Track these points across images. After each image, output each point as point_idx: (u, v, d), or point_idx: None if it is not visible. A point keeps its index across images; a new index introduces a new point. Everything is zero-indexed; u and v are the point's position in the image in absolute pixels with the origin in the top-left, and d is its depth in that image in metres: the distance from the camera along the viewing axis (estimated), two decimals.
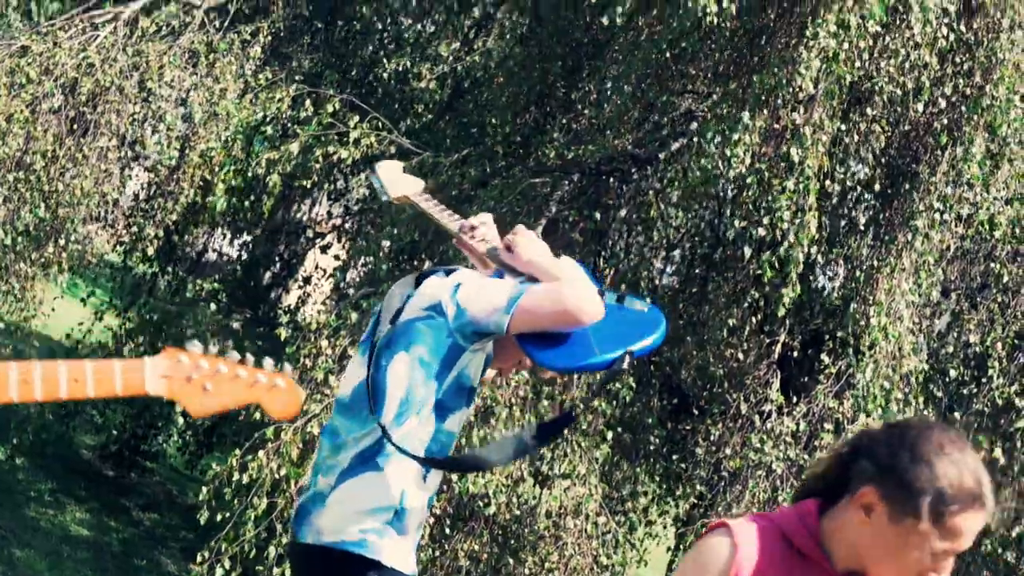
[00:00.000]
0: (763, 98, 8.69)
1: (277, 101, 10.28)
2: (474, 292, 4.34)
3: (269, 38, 10.68)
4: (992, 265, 9.66)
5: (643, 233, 10.05)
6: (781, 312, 8.72)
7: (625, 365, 4.33)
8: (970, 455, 3.26)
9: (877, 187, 9.45)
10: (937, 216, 9.08)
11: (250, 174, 10.27)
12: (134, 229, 10.97)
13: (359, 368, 4.46)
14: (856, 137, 9.21)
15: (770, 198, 8.67)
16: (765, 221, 8.68)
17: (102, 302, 13.08)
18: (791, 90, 8.62)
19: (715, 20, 8.62)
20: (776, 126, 8.81)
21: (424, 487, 4.38)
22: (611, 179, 10.10)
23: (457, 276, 4.42)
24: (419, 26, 11.82)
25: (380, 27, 11.65)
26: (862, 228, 9.51)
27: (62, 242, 10.17)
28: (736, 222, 9.06)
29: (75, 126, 10.12)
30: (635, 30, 9.59)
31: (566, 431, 8.64)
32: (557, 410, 8.78)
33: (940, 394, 9.93)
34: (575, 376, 8.60)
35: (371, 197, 11.39)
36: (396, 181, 4.89)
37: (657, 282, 10.55)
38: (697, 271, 10.56)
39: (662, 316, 4.54)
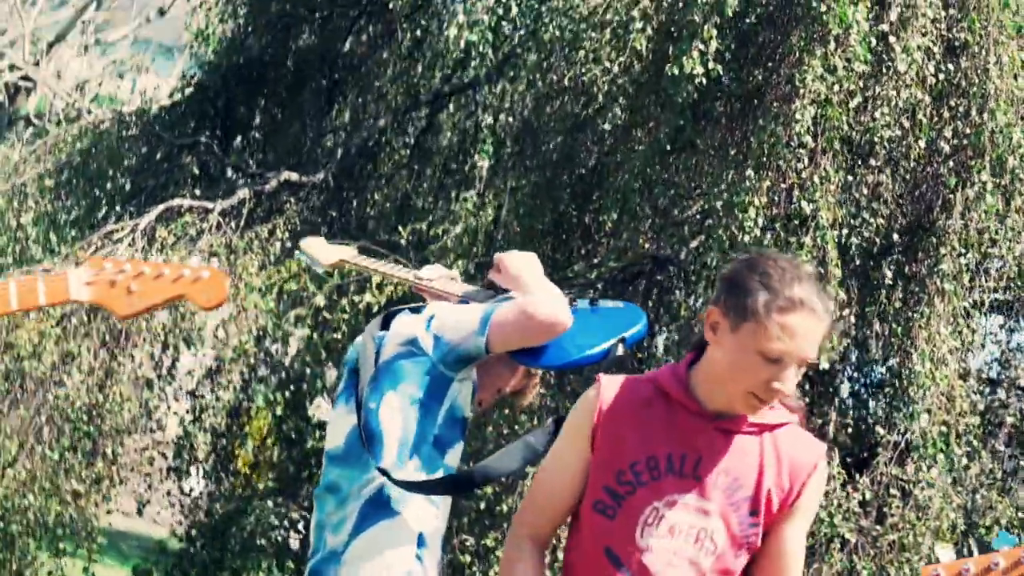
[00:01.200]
0: (764, 157, 8.64)
1: (298, 280, 10.36)
2: (448, 320, 4.29)
3: (287, 234, 10.79)
4: None
5: (676, 331, 9.96)
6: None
7: (620, 352, 4.29)
8: (805, 270, 3.46)
9: (896, 237, 9.35)
10: (962, 261, 8.96)
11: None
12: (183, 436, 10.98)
13: (345, 417, 4.34)
14: (866, 190, 9.10)
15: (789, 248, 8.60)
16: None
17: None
18: (791, 145, 8.58)
19: (703, 82, 8.71)
20: (782, 184, 8.76)
21: (439, 511, 4.27)
22: (634, 285, 10.08)
23: (429, 309, 4.37)
24: (431, 198, 12.01)
25: (395, 206, 11.83)
26: (890, 282, 9.32)
27: (110, 454, 10.17)
28: None
29: (107, 338, 10.20)
30: (631, 138, 9.65)
31: None
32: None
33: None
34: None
35: None
36: (324, 251, 4.84)
37: None
38: None
39: (639, 308, 4.56)
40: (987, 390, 10.19)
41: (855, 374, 10.29)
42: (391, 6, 12.18)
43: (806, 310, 3.37)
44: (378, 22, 12.43)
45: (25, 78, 19.37)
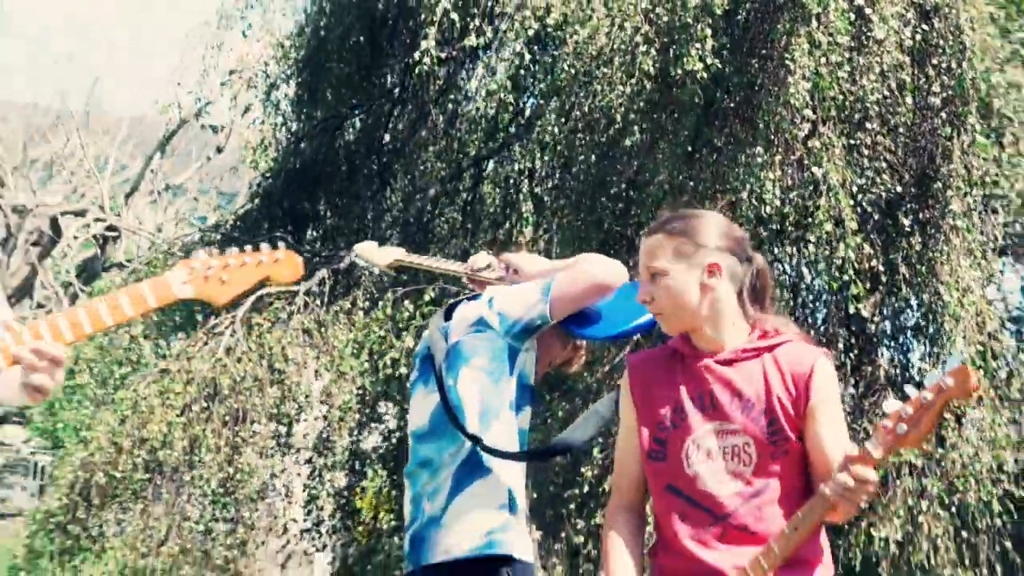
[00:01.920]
0: (771, 135, 9.38)
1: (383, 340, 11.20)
2: (509, 298, 4.60)
3: (367, 302, 11.67)
4: None
5: None
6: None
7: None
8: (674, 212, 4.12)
9: (905, 189, 9.99)
10: (968, 200, 9.70)
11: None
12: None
13: (425, 399, 4.66)
14: (867, 151, 9.82)
15: (810, 219, 9.33)
16: (812, 239, 9.39)
17: None
18: (793, 120, 9.30)
19: (708, 84, 9.48)
20: (792, 157, 9.49)
21: (521, 470, 4.59)
22: None
23: (487, 293, 4.68)
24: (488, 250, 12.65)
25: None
26: (908, 230, 9.95)
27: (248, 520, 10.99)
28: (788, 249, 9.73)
29: (227, 419, 11.05)
30: (655, 150, 10.25)
31: None
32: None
33: None
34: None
35: None
36: (378, 254, 5.16)
37: None
38: None
39: None
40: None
41: (895, 319, 10.72)
42: (420, 93, 13.04)
43: (647, 234, 4.02)
44: (412, 108, 13.27)
45: (111, 228, 20.47)
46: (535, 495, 10.19)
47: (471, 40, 11.04)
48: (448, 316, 4.73)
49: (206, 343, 11.36)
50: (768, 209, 9.41)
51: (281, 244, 3.64)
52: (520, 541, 4.47)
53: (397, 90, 13.40)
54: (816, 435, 3.93)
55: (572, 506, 10.11)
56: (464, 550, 4.41)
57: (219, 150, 16.36)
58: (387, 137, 13.34)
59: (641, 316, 4.57)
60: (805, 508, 3.77)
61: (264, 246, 3.65)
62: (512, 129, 12.43)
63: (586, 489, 10.00)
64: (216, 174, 16.56)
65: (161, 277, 3.47)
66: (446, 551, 4.44)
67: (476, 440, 4.41)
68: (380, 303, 11.37)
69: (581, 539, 10.04)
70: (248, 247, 3.63)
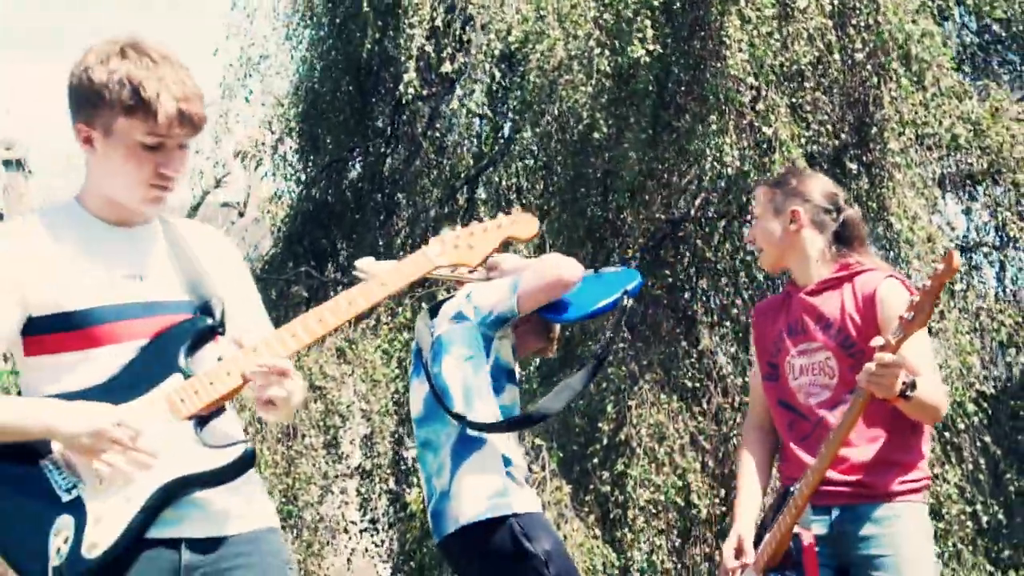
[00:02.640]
0: (722, 105, 10.35)
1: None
2: (484, 292, 5.02)
3: (389, 318, 12.75)
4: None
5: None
6: None
7: (627, 302, 5.04)
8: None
9: (847, 137, 10.90)
10: (904, 139, 10.53)
11: None
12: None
13: (419, 389, 5.07)
14: (808, 107, 10.70)
15: (768, 173, 9.95)
16: None
17: None
18: (738, 89, 10.29)
19: (648, 61, 10.38)
20: (743, 121, 10.43)
21: (513, 441, 5.02)
22: (662, 249, 11.93)
23: (466, 288, 5.12)
24: None
25: None
26: (855, 172, 10.84)
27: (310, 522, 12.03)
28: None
29: (280, 435, 12.05)
30: (622, 140, 11.14)
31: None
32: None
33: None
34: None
35: None
36: (376, 267, 5.26)
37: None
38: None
39: (634, 270, 5.37)
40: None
41: None
42: (410, 127, 14.21)
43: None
44: (405, 142, 14.31)
45: None
46: (560, 455, 11.06)
47: (447, 67, 12.08)
48: (434, 314, 5.17)
49: None
50: (730, 170, 10.35)
51: (516, 207, 4.23)
52: (521, 498, 4.85)
53: (389, 128, 14.45)
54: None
55: (595, 460, 11.02)
56: (471, 516, 4.78)
57: (240, 214, 17.40)
58: (386, 171, 14.38)
59: (601, 300, 5.03)
60: (850, 401, 4.31)
61: (501, 214, 3.95)
62: (495, 146, 13.49)
63: (605, 442, 10.89)
64: (239, 231, 17.55)
65: (417, 254, 3.64)
66: (456, 520, 4.81)
67: (461, 418, 4.82)
68: (400, 310, 12.44)
69: (608, 488, 10.91)
70: (486, 218, 3.94)
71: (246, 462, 3.29)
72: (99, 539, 3.12)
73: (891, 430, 4.51)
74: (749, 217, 5.35)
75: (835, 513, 4.54)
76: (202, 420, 3.30)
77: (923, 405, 4.31)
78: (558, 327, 5.44)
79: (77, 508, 3.15)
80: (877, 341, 4.15)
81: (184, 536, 3.26)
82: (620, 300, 5.01)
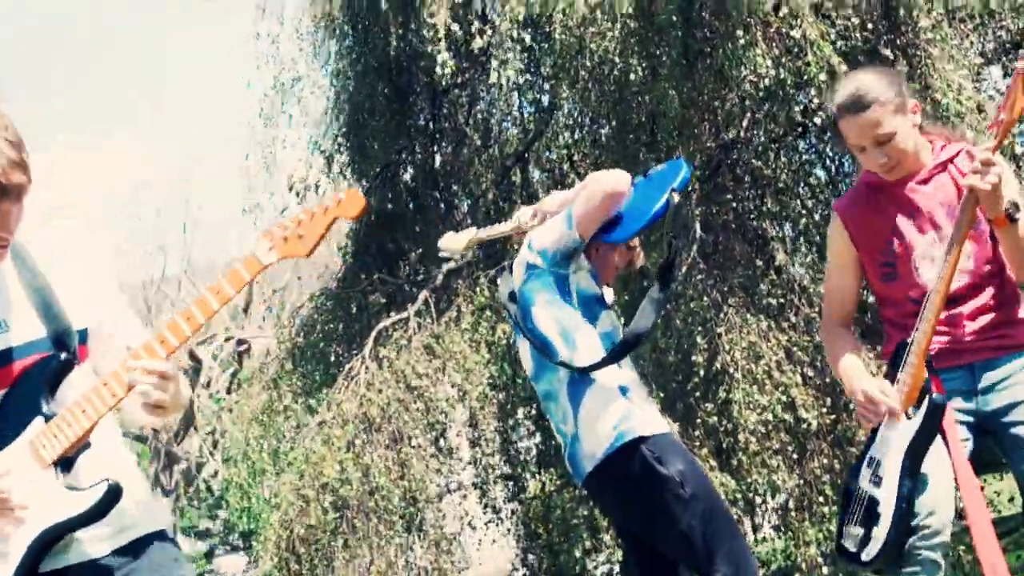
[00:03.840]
0: (745, 20, 10.33)
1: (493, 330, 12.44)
2: (542, 236, 5.11)
3: (470, 306, 12.88)
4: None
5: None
6: None
7: (677, 200, 5.03)
8: (849, 79, 4.69)
9: (870, 27, 10.65)
10: (934, 16, 10.38)
11: None
12: None
13: (524, 347, 5.22)
14: (830, 3, 10.51)
15: (805, 77, 10.17)
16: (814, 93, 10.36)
17: None
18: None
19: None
20: (770, 31, 10.37)
21: (624, 366, 5.08)
22: (716, 173, 11.95)
23: (526, 240, 5.21)
24: None
25: None
26: (891, 57, 10.53)
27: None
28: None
29: (387, 441, 12.21)
30: (658, 76, 11.15)
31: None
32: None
33: None
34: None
35: None
36: (455, 241, 5.68)
37: None
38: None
39: (681, 160, 5.41)
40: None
41: None
42: (451, 121, 14.39)
43: (846, 116, 4.49)
44: (449, 131, 14.48)
45: (241, 342, 21.86)
46: (661, 394, 11.08)
47: (477, 43, 12.16)
48: (510, 273, 5.30)
49: (347, 387, 12.52)
50: (767, 81, 10.32)
51: (344, 184, 4.22)
52: (645, 419, 4.94)
53: (431, 123, 14.53)
54: None
55: (697, 394, 11.06)
56: (604, 449, 4.88)
57: None
58: (437, 165, 14.53)
59: (654, 206, 5.03)
60: (959, 212, 4.34)
61: (327, 196, 4.04)
62: (538, 117, 13.53)
63: (702, 374, 10.92)
64: (310, 266, 17.78)
65: (248, 254, 3.57)
66: (592, 457, 4.92)
67: (566, 365, 4.95)
68: (476, 292, 12.52)
69: (714, 418, 10.94)
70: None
71: (112, 498, 3.32)
72: None
73: (999, 297, 4.57)
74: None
75: (969, 369, 4.57)
76: (68, 462, 3.36)
77: None
78: (636, 237, 5.41)
79: None
80: (976, 150, 4.27)
81: (72, 563, 3.39)
82: (670, 200, 5.01)
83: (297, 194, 14.29)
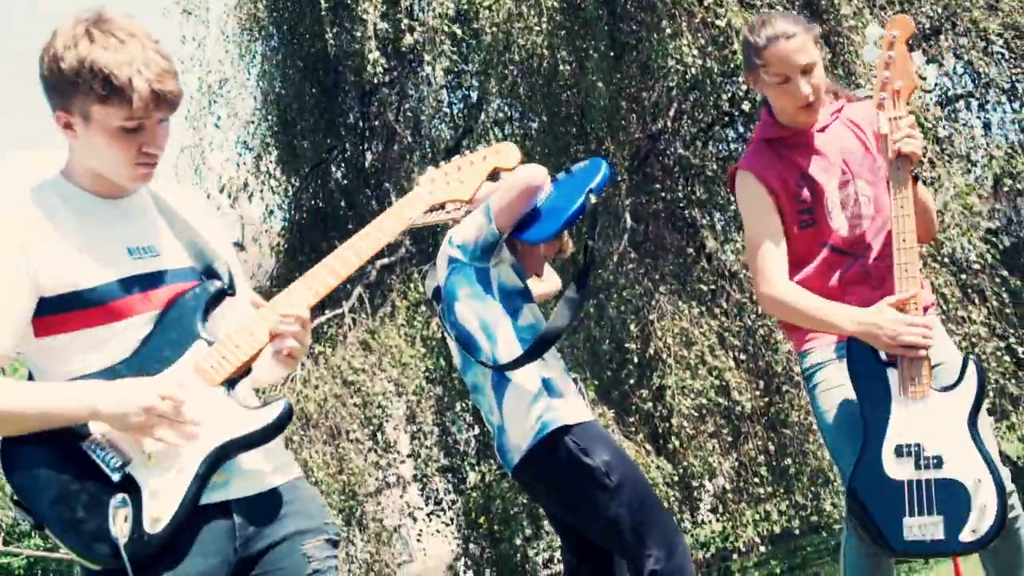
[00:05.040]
0: (670, 10, 10.48)
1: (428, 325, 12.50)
2: (463, 229, 5.14)
3: (404, 301, 13.00)
4: None
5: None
6: None
7: (593, 200, 5.05)
8: (774, 13, 4.80)
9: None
10: (856, 3, 10.61)
11: None
12: None
13: (451, 342, 5.29)
14: None
15: (733, 66, 10.33)
16: (742, 81, 10.51)
17: None
18: None
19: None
20: (695, 21, 10.47)
21: (548, 361, 5.09)
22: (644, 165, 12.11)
23: (448, 233, 5.25)
24: None
25: None
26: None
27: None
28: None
29: (325, 436, 12.27)
30: (586, 70, 11.31)
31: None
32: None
33: None
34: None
35: None
36: None
37: None
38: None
39: (600, 159, 5.35)
40: None
41: None
42: (381, 119, 14.44)
43: (775, 43, 4.47)
44: (381, 131, 14.52)
45: None
46: (596, 383, 11.19)
47: (407, 40, 12.25)
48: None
49: (284, 384, 12.54)
50: (694, 70, 10.43)
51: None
52: (568, 410, 4.97)
53: (361, 122, 14.66)
54: None
55: (631, 381, 11.20)
56: (528, 440, 4.94)
57: (242, 247, 17.57)
58: (368, 164, 14.60)
59: (571, 207, 5.06)
60: (892, 183, 4.40)
61: (482, 145, 4.11)
62: (468, 113, 13.65)
63: (636, 360, 11.04)
64: (247, 267, 17.81)
65: (409, 196, 3.68)
66: (518, 448, 4.99)
67: (485, 364, 5.02)
68: (411, 284, 12.64)
69: (649, 404, 11.05)
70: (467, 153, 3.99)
71: (286, 418, 3.39)
72: (160, 513, 3.22)
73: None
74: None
75: None
76: (231, 383, 3.38)
77: (926, 197, 4.59)
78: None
79: (130, 486, 3.22)
80: (885, 113, 4.39)
81: (232, 498, 3.39)
82: (586, 201, 5.04)
83: (229, 195, 14.30)
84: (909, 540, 4.28)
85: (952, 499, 4.26)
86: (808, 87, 4.51)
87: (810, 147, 4.66)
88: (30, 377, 3.43)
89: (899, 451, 4.32)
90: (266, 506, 3.44)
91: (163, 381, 3.27)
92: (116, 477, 3.20)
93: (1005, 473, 4.37)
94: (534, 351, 4.96)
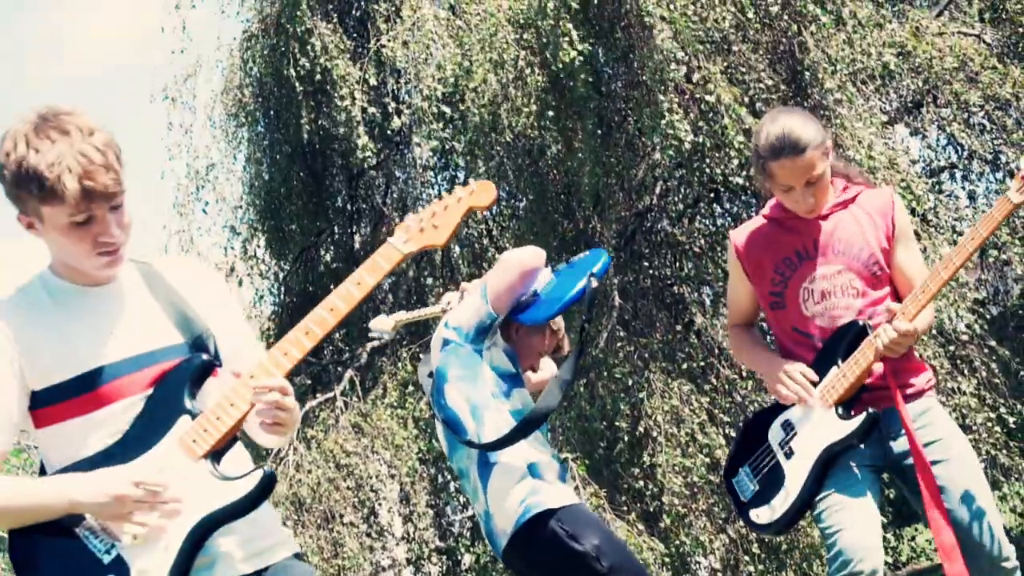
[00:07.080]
0: (659, 83, 10.53)
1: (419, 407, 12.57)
2: (458, 312, 5.14)
3: (395, 382, 13.04)
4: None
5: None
6: None
7: (594, 284, 5.01)
8: (786, 116, 4.64)
9: (782, 88, 10.91)
10: (835, 80, 10.72)
11: None
12: None
13: (439, 425, 5.24)
14: (741, 68, 10.88)
15: (724, 139, 10.39)
16: (733, 155, 10.58)
17: None
18: (669, 65, 10.47)
19: (580, 61, 10.70)
20: (684, 96, 10.64)
21: (536, 446, 5.06)
22: (631, 243, 12.15)
23: (442, 319, 5.25)
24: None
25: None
26: None
27: None
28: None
29: (319, 521, 12.26)
30: (572, 149, 11.62)
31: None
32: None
33: None
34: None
35: None
36: (384, 322, 5.92)
37: None
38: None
39: (601, 249, 5.58)
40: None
41: None
42: (369, 202, 14.69)
43: (781, 157, 4.51)
44: (369, 213, 14.73)
45: None
46: (587, 462, 11.24)
47: (395, 122, 12.38)
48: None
49: (277, 469, 12.54)
50: (686, 145, 10.48)
51: (471, 179, 4.09)
52: (553, 494, 4.94)
53: (349, 204, 14.78)
54: (900, 261, 4.67)
55: (622, 460, 11.23)
56: (512, 524, 4.90)
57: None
58: (357, 245, 14.67)
59: (572, 289, 5.04)
60: (863, 352, 4.53)
61: (456, 186, 3.89)
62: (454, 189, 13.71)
63: (626, 439, 11.11)
64: None
65: (384, 247, 3.65)
66: (504, 532, 4.95)
67: (471, 444, 4.97)
68: (400, 365, 12.69)
69: (640, 482, 11.09)
70: (445, 194, 3.93)
71: (267, 485, 3.41)
72: None
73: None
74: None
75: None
76: (217, 455, 3.42)
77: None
78: (559, 319, 5.45)
79: (120, 567, 3.31)
80: (895, 307, 4.45)
81: None
82: (588, 285, 5.01)
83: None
84: (733, 481, 4.95)
85: (772, 484, 4.76)
86: (811, 199, 4.59)
87: (804, 233, 4.72)
88: (42, 467, 3.54)
89: (785, 424, 4.78)
90: None
91: (137, 468, 3.34)
92: (106, 560, 3.30)
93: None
94: (521, 430, 4.95)
